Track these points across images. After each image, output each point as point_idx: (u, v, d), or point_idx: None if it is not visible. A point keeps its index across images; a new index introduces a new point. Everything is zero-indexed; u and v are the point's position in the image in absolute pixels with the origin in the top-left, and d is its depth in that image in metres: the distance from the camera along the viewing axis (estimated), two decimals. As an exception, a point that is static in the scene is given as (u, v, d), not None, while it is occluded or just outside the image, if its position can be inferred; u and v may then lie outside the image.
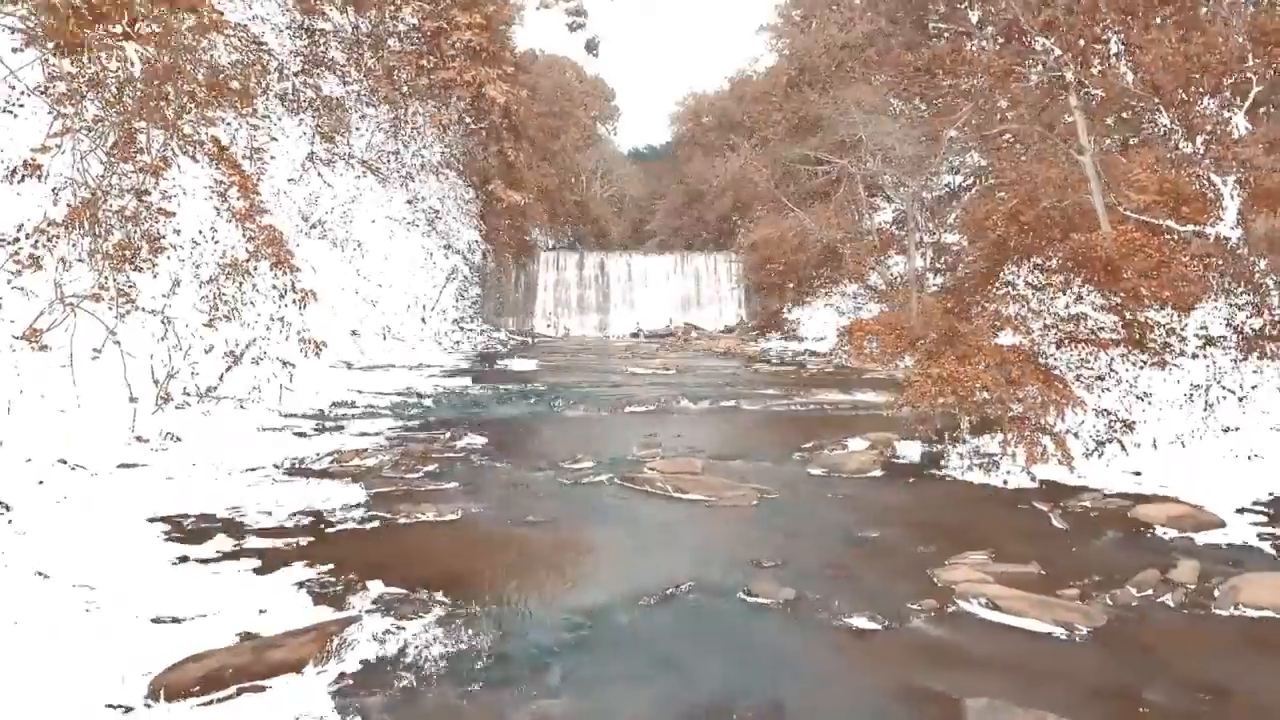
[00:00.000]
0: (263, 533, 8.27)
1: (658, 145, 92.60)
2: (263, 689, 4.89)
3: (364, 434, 13.96)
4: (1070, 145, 13.82)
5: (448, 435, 13.85)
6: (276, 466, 11.19)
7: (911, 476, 11.30)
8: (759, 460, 12.40)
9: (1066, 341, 12.11)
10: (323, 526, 8.62)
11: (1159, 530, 8.66)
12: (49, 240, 10.63)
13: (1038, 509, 9.52)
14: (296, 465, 11.39)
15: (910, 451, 12.78)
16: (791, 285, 28.84)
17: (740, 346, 35.89)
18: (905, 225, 27.72)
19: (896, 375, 24.40)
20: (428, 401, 18.08)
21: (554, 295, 57.20)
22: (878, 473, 11.47)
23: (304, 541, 8.00)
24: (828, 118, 26.81)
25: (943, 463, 11.28)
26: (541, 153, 62.55)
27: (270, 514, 8.93)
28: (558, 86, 63.97)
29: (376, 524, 8.79)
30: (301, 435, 13.61)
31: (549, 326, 51.02)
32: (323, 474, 11.00)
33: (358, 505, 9.46)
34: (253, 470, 10.85)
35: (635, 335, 44.70)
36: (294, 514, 8.99)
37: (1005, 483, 10.67)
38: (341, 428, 14.45)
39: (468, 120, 37.17)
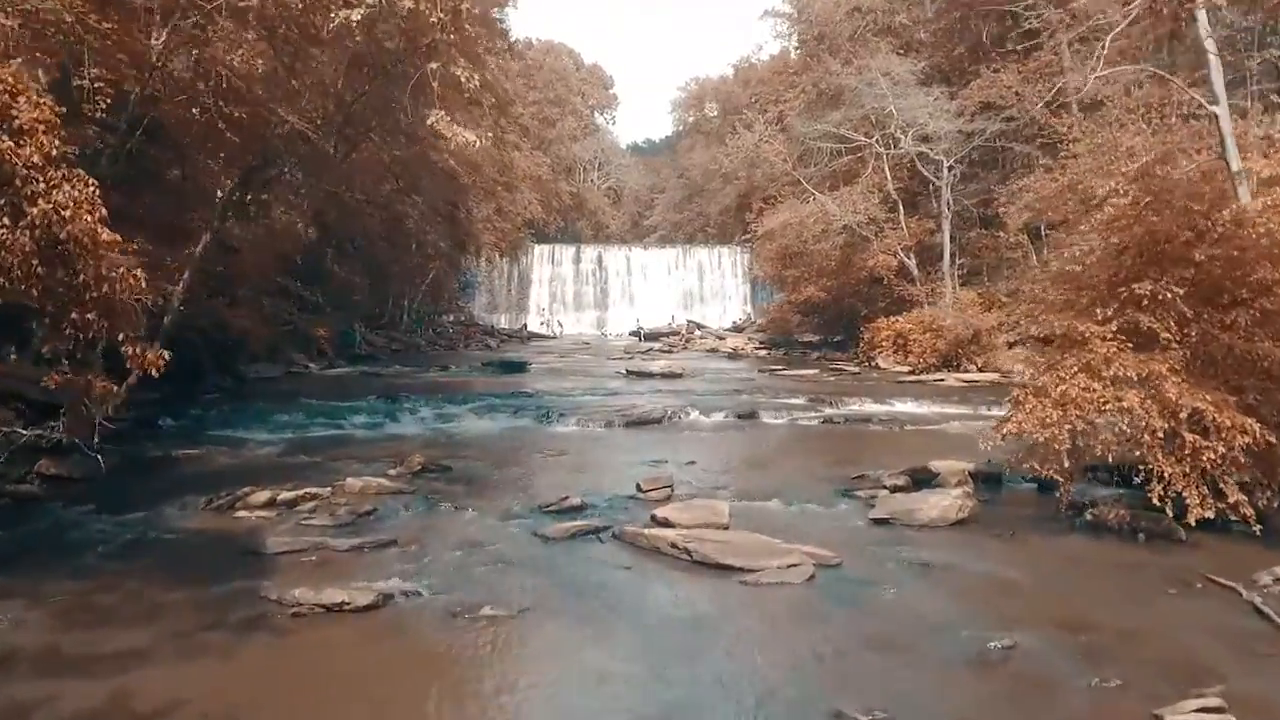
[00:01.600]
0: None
1: (657, 140, 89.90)
2: None
3: (294, 457, 10.97)
4: (1198, 95, 10.79)
5: (399, 467, 10.84)
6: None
7: (1015, 530, 8.32)
8: (799, 501, 9.43)
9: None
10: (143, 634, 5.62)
11: None
12: None
13: (1229, 592, 6.53)
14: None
15: (998, 489, 9.81)
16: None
17: (747, 346, 32.89)
18: (935, 209, 24.73)
19: (936, 380, 21.50)
20: (378, 417, 15.08)
21: (549, 291, 54.26)
22: (967, 524, 8.48)
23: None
24: (852, 89, 23.74)
25: (1061, 511, 8.26)
26: (536, 141, 59.62)
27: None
28: (554, 72, 60.89)
29: (238, 624, 5.79)
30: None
31: (543, 324, 47.98)
32: (201, 534, 8.02)
33: (231, 584, 6.47)
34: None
35: (635, 334, 41.67)
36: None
37: (1158, 543, 7.69)
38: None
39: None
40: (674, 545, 7.50)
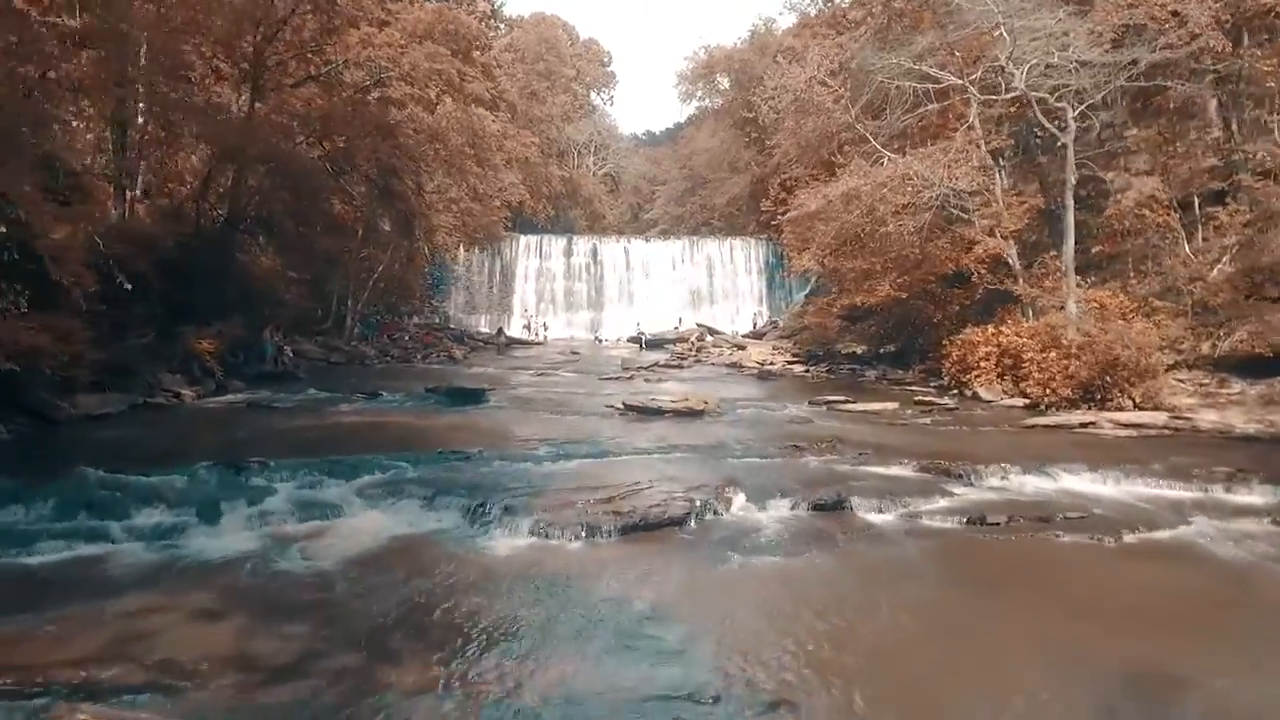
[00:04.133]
0: None
1: (657, 131, 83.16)
2: None
3: None
4: None
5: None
6: None
7: None
8: None
9: None
10: None
11: None
12: None
13: None
14: None
15: None
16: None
17: (777, 360, 26.14)
18: (1049, 176, 17.95)
19: (1083, 424, 14.82)
20: (183, 513, 8.40)
21: (535, 288, 47.44)
22: None
23: None
24: (943, 5, 16.93)
25: None
26: (523, 120, 52.84)
27: None
28: (544, 42, 54.00)
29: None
30: None
31: (525, 328, 41.14)
32: None
33: None
34: None
35: (635, 340, 35.01)
36: None
37: None
38: None
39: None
40: None
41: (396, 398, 17.46)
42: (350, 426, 13.69)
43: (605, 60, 66.25)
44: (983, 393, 16.49)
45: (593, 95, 66.91)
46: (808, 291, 45.76)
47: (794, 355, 26.41)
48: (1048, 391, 15.21)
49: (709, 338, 34.02)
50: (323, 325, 29.33)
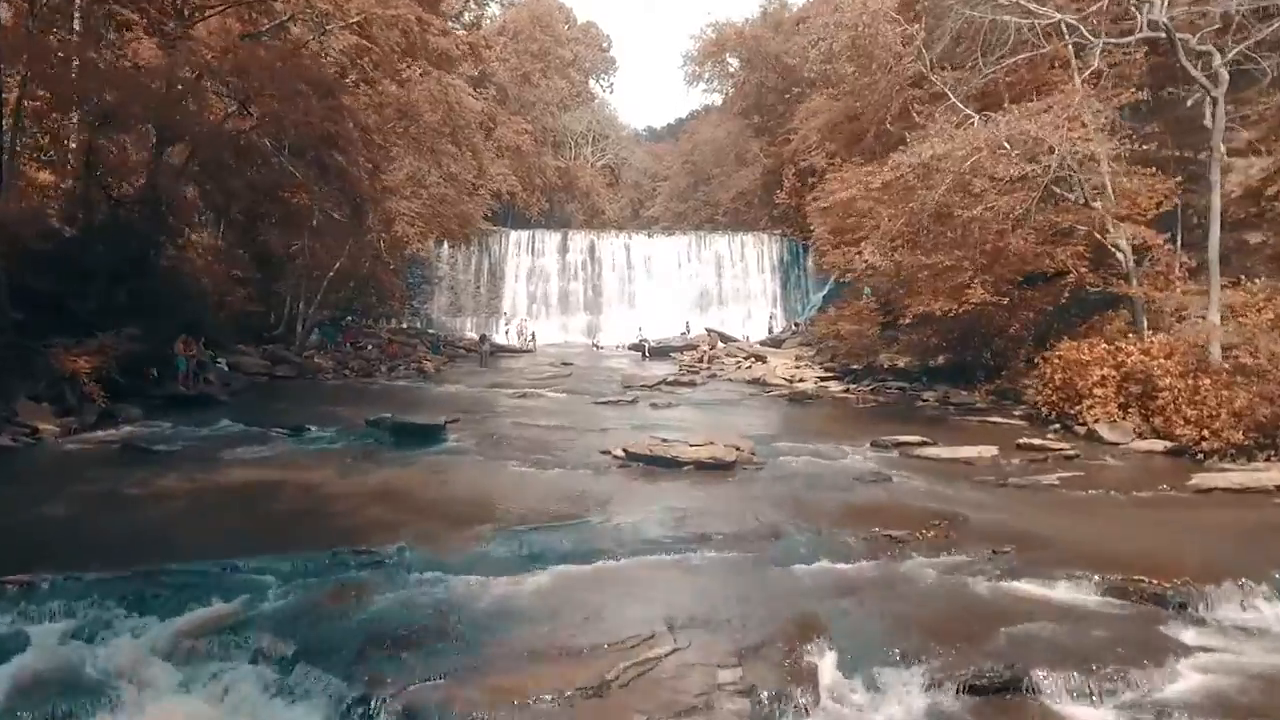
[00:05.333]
0: None
1: (658, 126, 78.89)
2: None
3: None
4: None
5: None
6: None
7: None
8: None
9: None
10: None
11: None
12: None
13: None
14: None
15: None
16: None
17: (807, 375, 22.04)
18: (1184, 144, 13.83)
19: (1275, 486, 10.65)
20: None
21: (527, 289, 43.28)
22: None
23: None
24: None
25: None
26: (514, 104, 48.73)
27: None
28: (537, 21, 49.80)
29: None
30: None
31: (506, 333, 36.89)
32: None
33: None
34: None
35: (637, 348, 30.90)
36: None
37: None
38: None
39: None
40: None
41: (327, 434, 13.33)
42: (233, 489, 9.58)
43: (604, 44, 62.08)
44: (1104, 431, 12.37)
45: (591, 83, 62.75)
46: (826, 292, 41.84)
47: (825, 369, 22.31)
48: (1205, 433, 11.08)
49: (721, 346, 29.92)
50: (275, 331, 25.30)
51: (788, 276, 43.00)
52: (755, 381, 20.98)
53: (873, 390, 19.19)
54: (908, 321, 14.75)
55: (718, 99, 54.78)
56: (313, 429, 13.63)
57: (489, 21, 49.21)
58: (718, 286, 42.01)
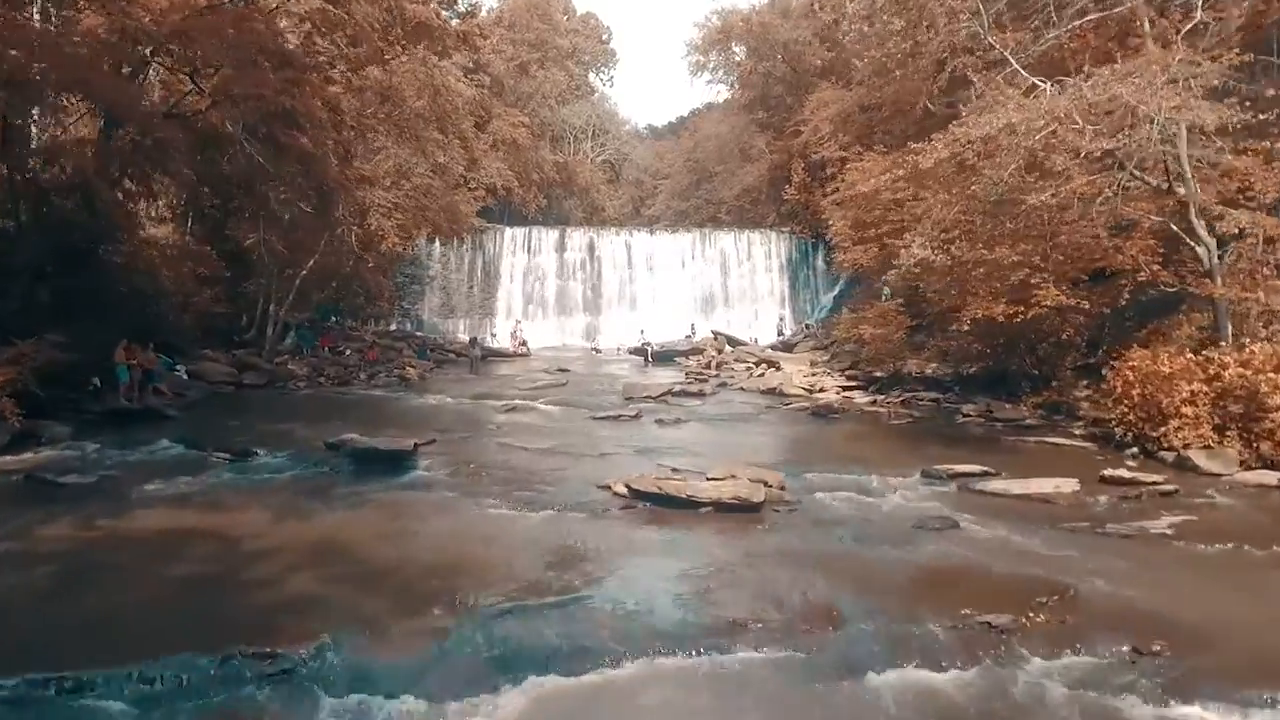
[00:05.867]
0: None
1: (659, 124, 76.80)
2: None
3: None
4: None
5: None
6: None
7: None
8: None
9: None
10: None
11: None
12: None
13: None
14: None
15: None
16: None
17: (827, 384, 20.03)
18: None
19: None
20: None
21: (523, 289, 41.23)
22: None
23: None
24: None
25: None
26: (510, 96, 46.70)
27: None
28: (534, 8, 47.74)
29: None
30: None
31: (493, 337, 34.80)
32: None
33: None
34: None
35: (639, 352, 28.86)
36: None
37: None
38: None
39: None
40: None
41: (278, 460, 11.33)
42: (130, 543, 7.58)
43: (604, 36, 60.02)
44: (1200, 460, 10.36)
45: (591, 76, 60.71)
46: (837, 292, 39.86)
47: (847, 377, 20.28)
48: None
49: (729, 350, 27.90)
50: (246, 335, 23.31)
51: (796, 276, 40.99)
52: (770, 391, 18.96)
53: (903, 402, 17.17)
54: (965, 327, 12.68)
55: (721, 94, 52.79)
56: (262, 453, 11.63)
57: (485, 13, 47.28)
58: (723, 286, 39.99)
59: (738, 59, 43.88)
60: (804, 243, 41.30)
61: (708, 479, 9.34)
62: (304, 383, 20.49)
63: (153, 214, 23.41)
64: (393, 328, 37.44)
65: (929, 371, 19.29)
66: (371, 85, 20.74)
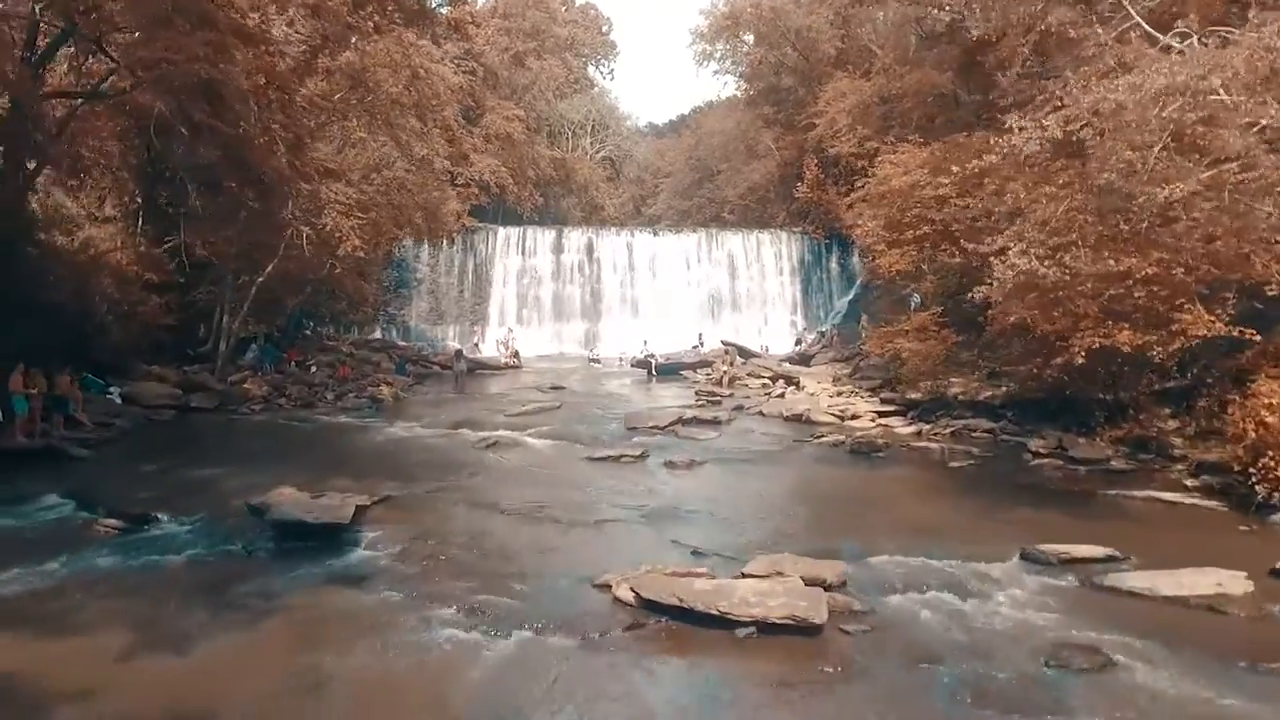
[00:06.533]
0: None
1: (660, 123, 74.19)
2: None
3: None
4: None
5: None
6: None
7: None
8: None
9: None
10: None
11: None
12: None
13: None
14: None
15: None
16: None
17: (861, 410, 17.49)
18: None
19: None
20: None
21: (517, 292, 38.60)
22: None
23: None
24: None
25: None
26: (505, 89, 44.13)
27: None
28: (530, -2, 45.15)
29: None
30: None
31: (476, 345, 32.19)
32: None
33: None
34: None
35: (643, 365, 26.30)
36: None
37: None
38: None
39: None
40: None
41: (181, 531, 8.79)
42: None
43: (604, 27, 57.46)
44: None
45: (590, 69, 58.16)
46: (853, 296, 37.32)
47: (881, 400, 17.71)
48: None
49: (741, 363, 25.33)
50: (203, 348, 20.77)
51: (809, 278, 38.42)
52: (796, 419, 16.37)
53: (953, 434, 14.63)
54: (1080, 360, 10.03)
55: (728, 85, 50.52)
56: (165, 518, 9.10)
57: (480, 3, 44.74)
58: (731, 290, 37.41)
59: (746, 48, 41.24)
60: (816, 244, 38.70)
61: (744, 575, 6.82)
62: (260, 405, 17.95)
63: (98, 213, 20.93)
64: (377, 334, 34.90)
65: (979, 395, 16.72)
66: (341, 67, 18.19)
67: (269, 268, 17.78)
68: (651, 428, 14.99)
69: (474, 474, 11.64)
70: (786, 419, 16.53)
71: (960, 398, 16.63)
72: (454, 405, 18.81)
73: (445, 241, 36.49)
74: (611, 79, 76.59)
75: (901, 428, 15.56)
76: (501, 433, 14.54)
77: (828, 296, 38.23)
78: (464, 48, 37.46)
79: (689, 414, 16.27)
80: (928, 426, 15.29)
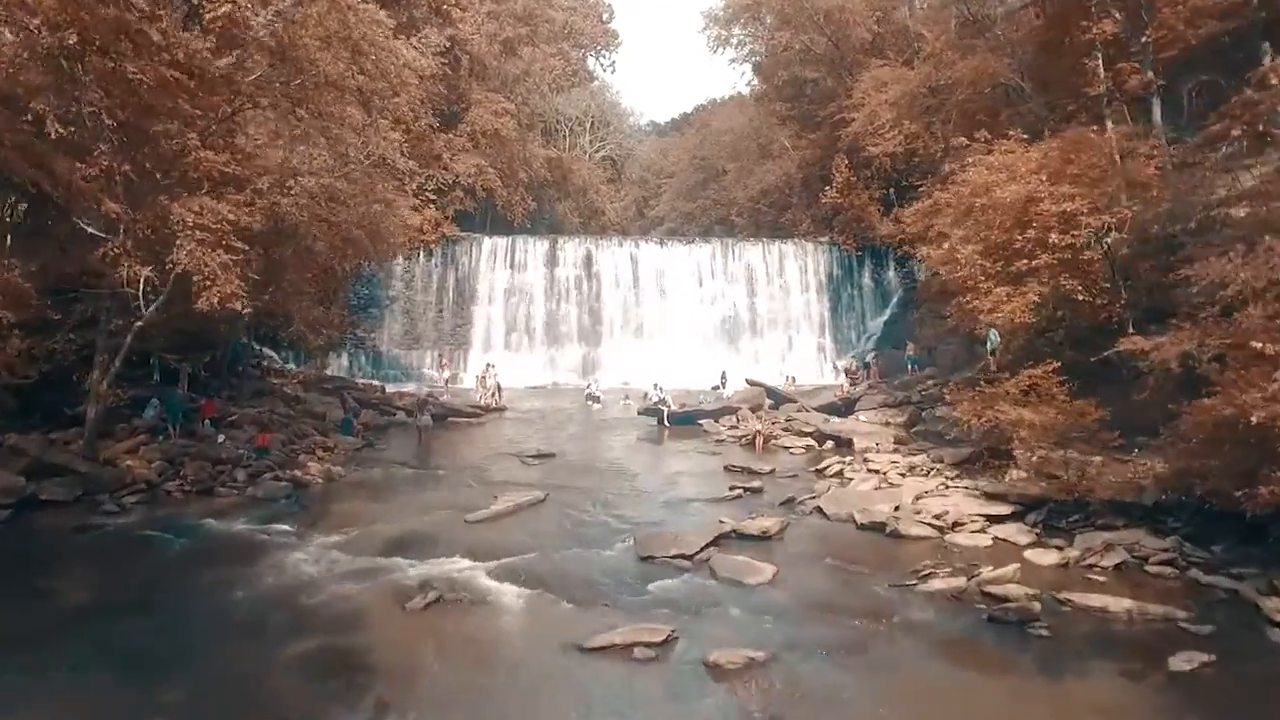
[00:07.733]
0: None
1: (662, 121, 69.49)
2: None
3: None
4: None
5: None
6: None
7: None
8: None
9: None
10: None
11: None
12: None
13: None
14: None
15: None
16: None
17: (960, 503, 12.70)
18: None
19: None
20: None
21: (505, 313, 33.66)
22: None
23: None
24: None
25: None
26: (494, 80, 39.32)
27: None
28: (522, -23, 40.26)
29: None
30: None
31: (442, 371, 27.18)
32: None
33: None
34: None
35: (653, 412, 21.33)
36: None
37: None
38: None
39: None
40: None
41: None
42: None
43: (604, 15, 52.62)
44: None
45: (590, 61, 53.36)
46: (888, 316, 32.48)
47: (985, 495, 12.86)
48: None
49: (776, 409, 20.46)
50: (79, 408, 15.95)
51: (838, 296, 33.65)
52: (875, 528, 11.60)
53: (1117, 567, 9.83)
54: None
55: (745, 75, 45.65)
56: None
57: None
58: (750, 309, 32.64)
59: (767, 32, 36.37)
60: (847, 256, 33.94)
61: None
62: (139, 495, 13.18)
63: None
64: (344, 361, 30.25)
65: (1138, 495, 11.85)
66: (254, 39, 13.39)
67: (149, 311, 13.01)
68: (676, 556, 10.21)
69: (375, 709, 6.80)
70: (861, 528, 11.72)
71: (1106, 498, 11.84)
72: (402, 494, 13.98)
73: (422, 254, 31.84)
74: (612, 72, 71.78)
75: (1028, 545, 10.77)
76: (453, 571, 9.73)
77: (860, 316, 33.43)
78: (449, 34, 32.83)
79: (725, 521, 11.47)
80: (1074, 551, 10.47)
